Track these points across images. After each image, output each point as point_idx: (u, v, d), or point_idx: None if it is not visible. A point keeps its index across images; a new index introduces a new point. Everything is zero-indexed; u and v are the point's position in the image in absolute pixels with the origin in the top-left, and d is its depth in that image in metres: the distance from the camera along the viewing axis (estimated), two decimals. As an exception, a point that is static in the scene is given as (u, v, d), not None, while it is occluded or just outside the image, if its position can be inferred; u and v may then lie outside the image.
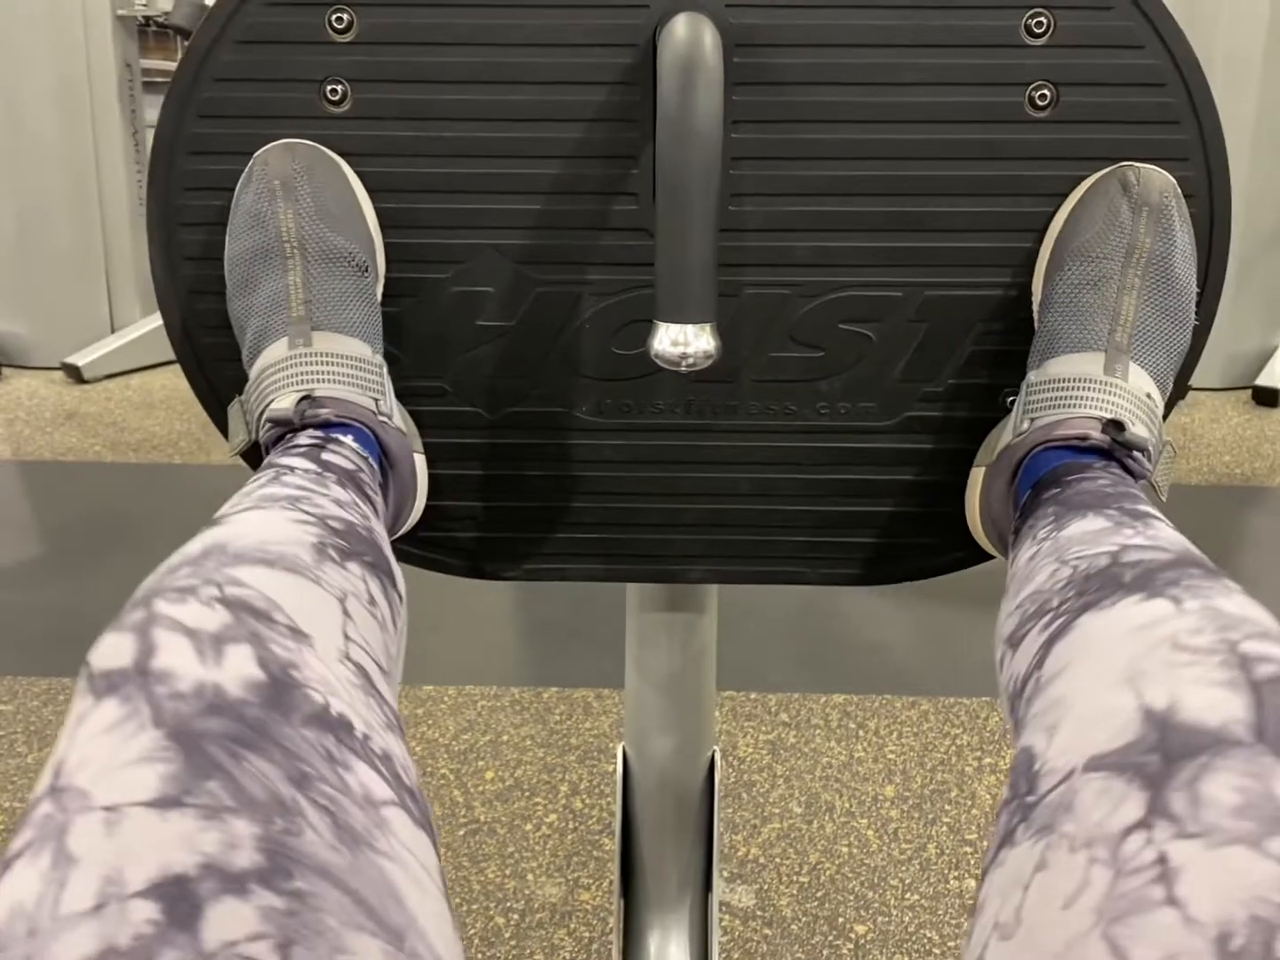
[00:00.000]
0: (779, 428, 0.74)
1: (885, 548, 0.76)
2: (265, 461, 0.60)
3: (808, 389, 0.74)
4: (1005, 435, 0.69)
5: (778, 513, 0.76)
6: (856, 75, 0.69)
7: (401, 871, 0.37)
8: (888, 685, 1.90)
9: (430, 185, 0.71)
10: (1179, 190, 0.68)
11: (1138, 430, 0.63)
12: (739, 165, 0.70)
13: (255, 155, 0.69)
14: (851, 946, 1.37)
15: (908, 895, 1.45)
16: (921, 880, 1.47)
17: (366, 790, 0.39)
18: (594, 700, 1.85)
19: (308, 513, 0.52)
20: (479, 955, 1.35)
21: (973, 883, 1.47)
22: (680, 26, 0.62)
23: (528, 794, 1.63)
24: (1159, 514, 0.56)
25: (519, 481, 0.75)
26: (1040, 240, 0.71)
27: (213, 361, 0.73)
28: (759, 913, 1.42)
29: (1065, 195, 0.70)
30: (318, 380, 0.65)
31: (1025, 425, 0.66)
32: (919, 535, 0.76)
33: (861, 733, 1.78)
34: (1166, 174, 0.68)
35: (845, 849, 1.53)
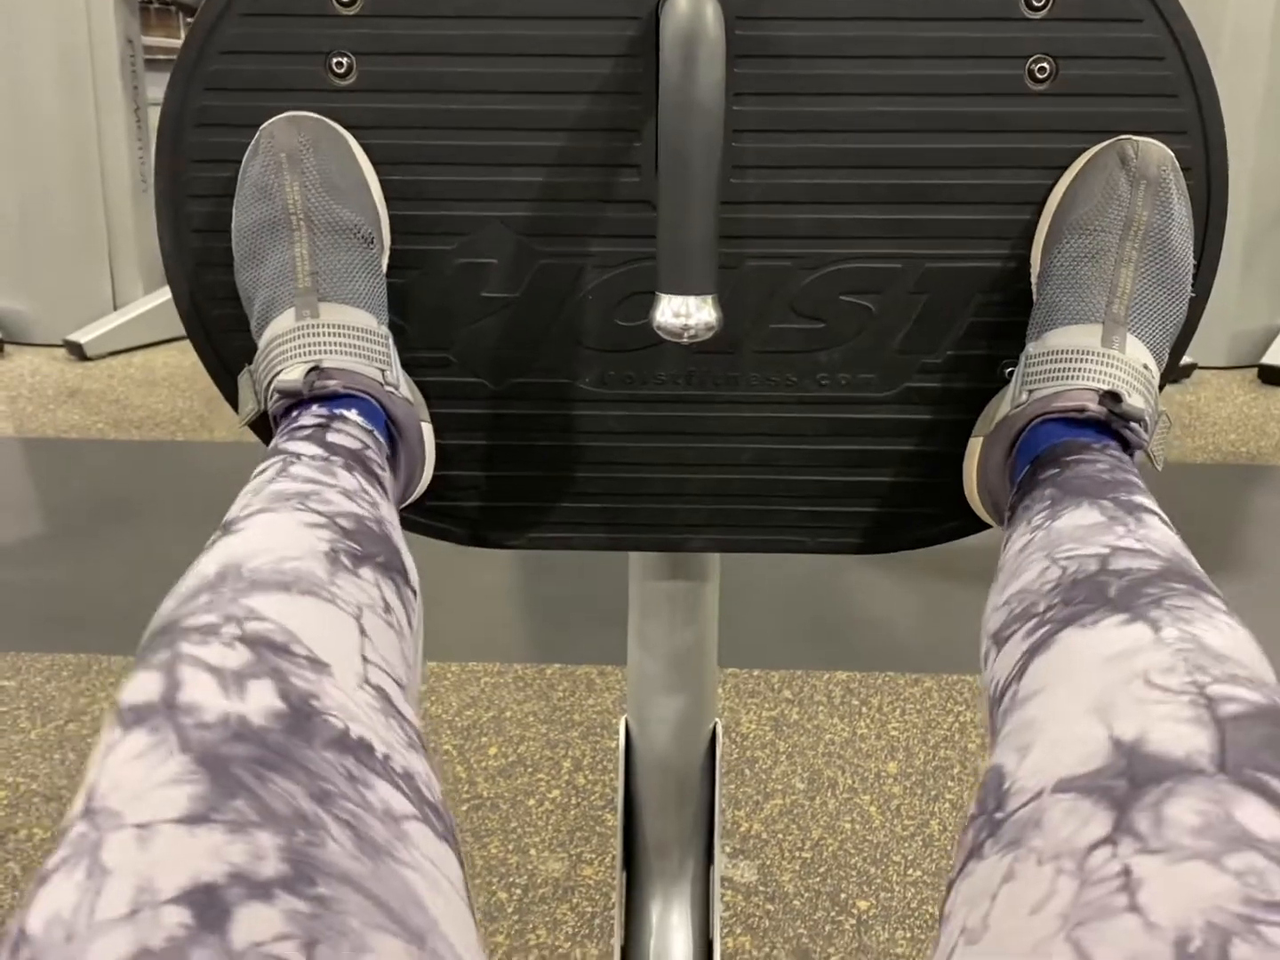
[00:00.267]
0: (780, 399, 0.74)
1: (884, 517, 0.77)
2: (272, 445, 0.61)
3: (808, 360, 0.74)
4: (1004, 406, 0.69)
5: (779, 482, 0.76)
6: (857, 48, 0.69)
7: (423, 880, 0.38)
8: (890, 662, 1.91)
9: (435, 157, 0.71)
10: (1177, 163, 0.69)
11: (1135, 401, 0.64)
12: (741, 138, 0.70)
13: (261, 128, 0.69)
14: (854, 922, 1.38)
15: (910, 871, 1.46)
16: (924, 857, 1.48)
17: (387, 805, 0.40)
18: (597, 677, 1.86)
19: (318, 512, 0.53)
20: (482, 930, 1.36)
21: (974, 859, 1.48)
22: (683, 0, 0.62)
23: (530, 770, 1.63)
24: (1153, 506, 0.57)
25: (523, 452, 0.76)
26: (1039, 213, 0.71)
27: (220, 333, 0.74)
28: (761, 888, 1.43)
29: (1064, 168, 0.70)
30: (325, 351, 0.65)
31: (1024, 397, 0.67)
32: (917, 505, 0.76)
33: (864, 709, 1.79)
34: (1164, 147, 0.68)
35: (848, 825, 1.54)
